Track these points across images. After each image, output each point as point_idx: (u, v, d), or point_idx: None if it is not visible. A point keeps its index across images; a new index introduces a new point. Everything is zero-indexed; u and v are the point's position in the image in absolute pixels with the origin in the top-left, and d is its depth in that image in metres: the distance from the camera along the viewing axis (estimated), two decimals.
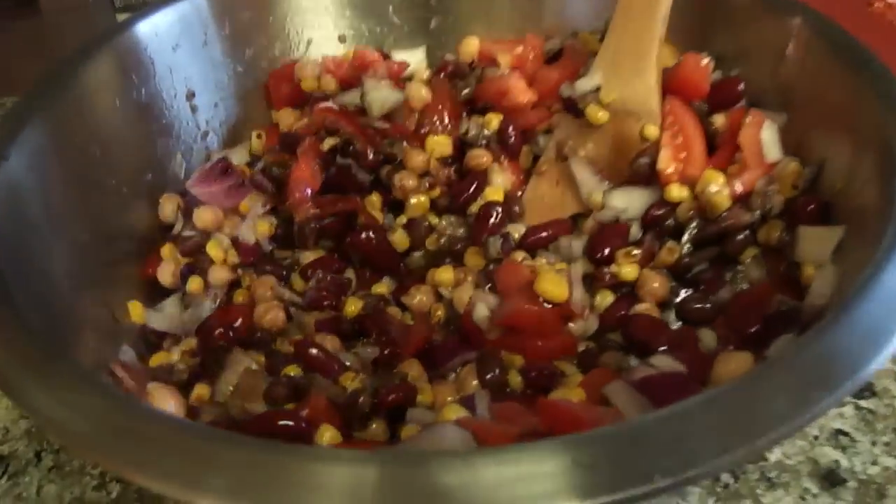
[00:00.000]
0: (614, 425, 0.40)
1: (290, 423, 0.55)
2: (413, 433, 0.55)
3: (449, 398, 0.60)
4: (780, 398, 0.42)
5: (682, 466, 0.38)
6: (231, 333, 0.68)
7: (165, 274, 0.75)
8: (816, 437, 0.72)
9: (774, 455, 0.71)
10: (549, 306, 0.67)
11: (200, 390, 0.64)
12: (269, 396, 0.60)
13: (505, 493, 0.37)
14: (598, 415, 0.52)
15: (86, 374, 0.48)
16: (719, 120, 0.77)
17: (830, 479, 0.69)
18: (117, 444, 0.43)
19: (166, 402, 0.61)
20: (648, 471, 0.38)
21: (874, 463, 0.70)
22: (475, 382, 0.61)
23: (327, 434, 0.55)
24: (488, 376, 0.61)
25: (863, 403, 0.74)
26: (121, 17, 1.36)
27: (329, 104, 0.85)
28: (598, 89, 0.78)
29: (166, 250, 0.77)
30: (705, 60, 0.78)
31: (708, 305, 0.67)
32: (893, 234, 0.53)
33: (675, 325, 0.68)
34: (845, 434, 0.72)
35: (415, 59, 0.94)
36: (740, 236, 0.71)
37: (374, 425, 0.58)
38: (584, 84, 0.78)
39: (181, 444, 0.42)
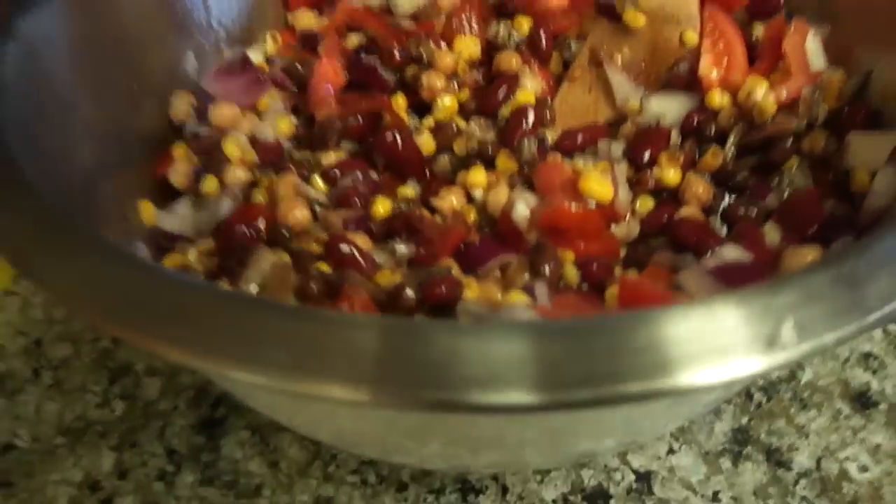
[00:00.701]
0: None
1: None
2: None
3: (495, 294, 0.56)
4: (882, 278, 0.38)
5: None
6: (254, 232, 0.64)
7: (178, 174, 0.71)
8: (847, 359, 0.72)
9: (806, 375, 0.71)
10: (592, 206, 0.64)
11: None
12: (302, 292, 0.56)
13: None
14: (677, 298, 0.48)
15: (112, 245, 0.44)
16: (759, 29, 0.75)
17: (862, 400, 0.69)
18: (152, 319, 0.39)
19: None
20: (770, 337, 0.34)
21: None
22: (526, 276, 0.58)
23: None
24: (545, 268, 0.58)
25: (891, 328, 0.74)
26: None
27: (352, 2, 0.81)
28: None
29: (179, 150, 0.72)
30: None
31: (756, 210, 0.64)
32: None
33: (722, 232, 0.65)
34: (875, 357, 0.72)
35: None
36: (787, 143, 0.68)
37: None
38: None
39: (228, 312, 0.38)
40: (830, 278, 0.37)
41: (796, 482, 0.64)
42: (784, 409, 0.68)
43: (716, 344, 0.34)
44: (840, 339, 0.36)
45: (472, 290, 0.55)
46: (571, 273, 0.59)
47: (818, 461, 0.65)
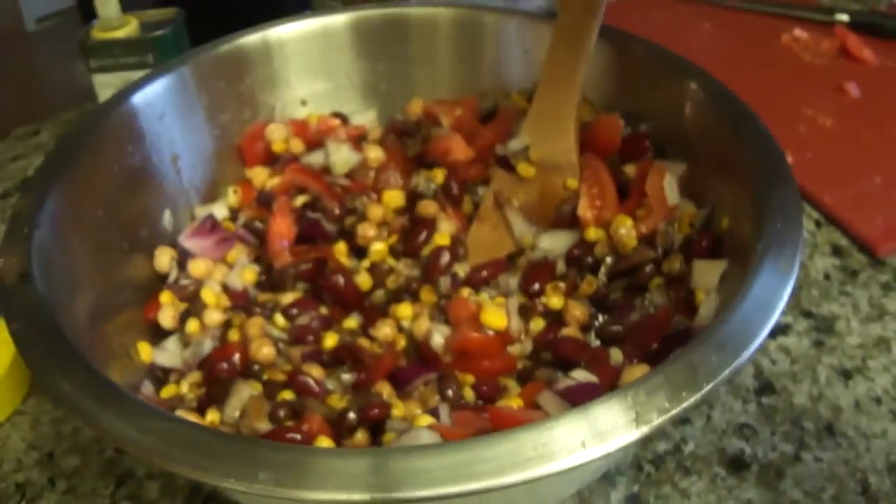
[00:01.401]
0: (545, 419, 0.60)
1: (297, 436, 0.73)
2: (392, 439, 0.74)
3: (417, 411, 0.79)
4: (658, 395, 0.60)
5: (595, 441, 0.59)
6: (232, 367, 0.85)
7: (166, 317, 0.92)
8: (724, 431, 0.87)
9: (689, 447, 0.85)
10: (492, 333, 0.87)
11: (212, 416, 0.80)
12: (274, 417, 0.78)
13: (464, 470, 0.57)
14: (531, 416, 0.72)
15: (147, 404, 0.64)
16: (630, 169, 0.97)
17: (737, 464, 0.84)
18: (185, 455, 0.58)
19: None
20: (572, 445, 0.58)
21: (773, 449, 0.85)
22: (437, 397, 0.80)
23: (325, 443, 0.73)
24: (448, 392, 0.80)
25: (764, 400, 0.90)
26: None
27: (298, 164, 1.05)
28: (527, 148, 0.98)
29: (165, 297, 0.93)
30: (619, 121, 0.98)
31: (620, 328, 0.86)
32: (756, 267, 0.69)
33: (595, 343, 0.87)
34: (749, 427, 0.87)
35: (368, 118, 1.14)
36: (647, 269, 0.89)
37: (358, 435, 0.77)
38: (515, 144, 0.99)
39: (231, 449, 0.59)
40: (619, 402, 0.62)
41: None
42: (669, 476, 0.82)
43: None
44: (628, 443, 0.58)
45: (399, 409, 0.79)
46: (469, 393, 0.82)
47: None
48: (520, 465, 0.57)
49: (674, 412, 0.59)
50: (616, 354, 0.82)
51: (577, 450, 0.58)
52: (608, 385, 0.77)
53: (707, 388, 0.61)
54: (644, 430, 0.59)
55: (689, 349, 0.64)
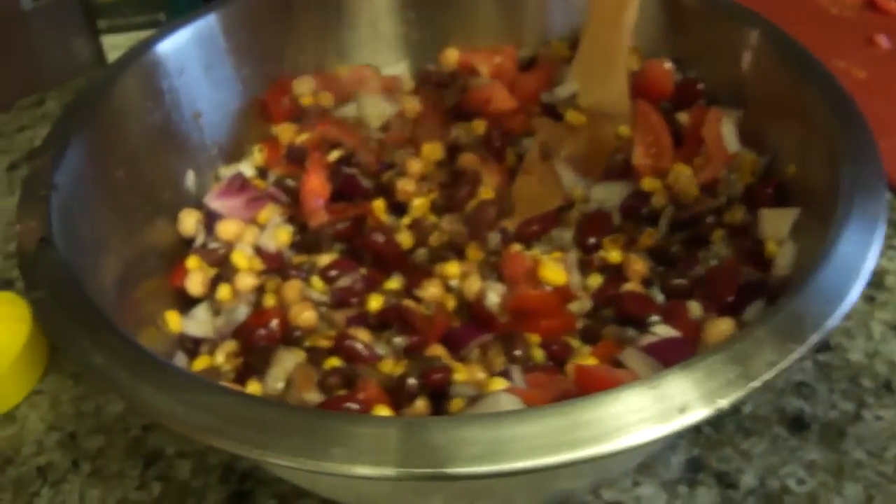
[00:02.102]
0: (641, 380, 0.55)
1: (355, 405, 0.68)
2: (461, 405, 0.68)
3: (480, 375, 0.73)
4: (764, 351, 0.55)
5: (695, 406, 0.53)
6: (271, 333, 0.79)
7: (195, 284, 0.86)
8: (782, 390, 0.84)
9: (747, 408, 0.82)
10: (551, 290, 0.81)
11: (253, 387, 0.74)
12: (324, 386, 0.72)
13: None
14: (619, 375, 0.66)
15: (193, 375, 0.61)
16: (683, 117, 0.91)
17: (797, 424, 0.81)
18: (245, 432, 0.53)
19: None
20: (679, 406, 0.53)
21: (833, 407, 0.82)
22: (502, 359, 0.74)
23: (384, 412, 0.68)
24: (516, 353, 0.74)
25: (820, 357, 0.86)
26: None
27: (330, 117, 0.98)
28: (574, 95, 0.93)
29: (192, 262, 0.87)
30: (668, 65, 0.93)
31: (686, 281, 0.80)
32: (842, 213, 0.65)
33: (660, 298, 0.81)
34: (807, 385, 0.84)
35: (398, 70, 1.07)
36: (709, 219, 0.84)
37: (418, 403, 0.71)
38: (563, 91, 0.93)
39: (297, 424, 0.53)
40: (722, 358, 0.56)
41: (744, 500, 0.74)
42: (730, 438, 0.79)
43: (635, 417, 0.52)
44: (732, 402, 0.54)
45: (461, 373, 0.73)
46: (538, 354, 0.76)
47: (762, 480, 0.76)
48: (625, 429, 0.52)
49: (782, 364, 0.55)
50: (695, 308, 0.77)
51: (694, 408, 0.53)
52: (691, 340, 0.72)
53: (814, 337, 0.57)
54: (756, 384, 0.54)
55: (787, 300, 0.60)
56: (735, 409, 0.81)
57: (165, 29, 0.95)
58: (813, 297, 0.59)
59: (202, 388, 0.57)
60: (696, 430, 0.80)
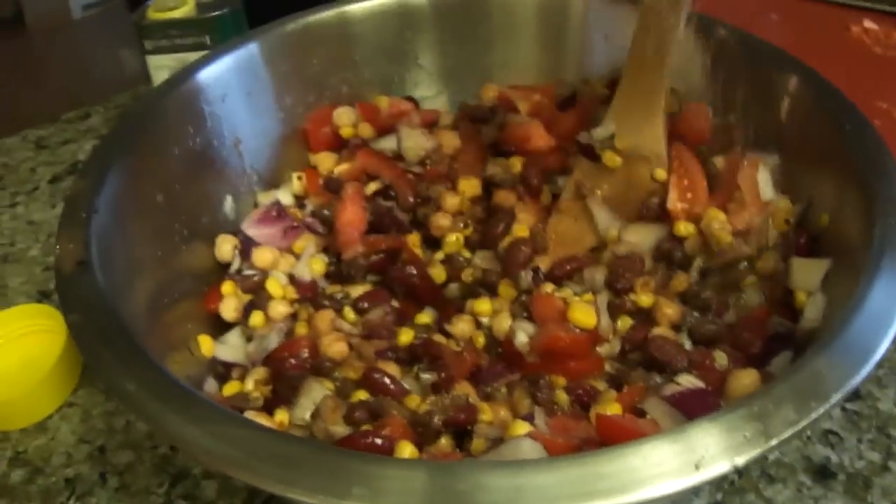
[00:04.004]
0: (659, 434, 0.55)
1: (378, 441, 0.68)
2: (482, 447, 0.69)
3: (504, 415, 0.73)
4: (785, 408, 0.55)
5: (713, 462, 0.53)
6: (301, 363, 0.80)
7: (228, 309, 0.87)
8: (809, 437, 0.83)
9: (773, 455, 0.82)
10: (580, 332, 0.80)
11: (281, 416, 0.75)
12: (351, 419, 0.72)
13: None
14: (640, 426, 0.66)
15: (221, 408, 0.59)
16: (720, 162, 0.90)
17: (822, 473, 0.80)
18: (269, 467, 0.53)
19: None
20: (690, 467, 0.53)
21: (860, 457, 0.81)
22: (527, 401, 0.75)
23: (407, 450, 0.67)
24: (540, 395, 0.75)
25: (849, 406, 0.86)
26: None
27: (369, 149, 0.99)
28: (612, 136, 0.91)
29: (227, 287, 0.88)
30: (706, 108, 0.92)
31: (716, 327, 0.80)
32: (873, 268, 0.64)
33: (688, 345, 0.81)
34: (834, 433, 0.84)
35: (438, 104, 1.08)
36: (741, 267, 0.84)
37: (442, 440, 0.71)
38: (601, 132, 0.92)
39: (319, 461, 0.54)
40: (742, 415, 0.56)
41: None
42: (753, 484, 0.79)
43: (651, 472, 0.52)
44: (748, 461, 0.53)
45: (486, 414, 0.73)
46: (563, 398, 0.76)
47: None
48: (642, 483, 0.52)
49: (802, 424, 0.55)
50: (721, 358, 0.76)
51: (711, 464, 0.53)
52: (715, 391, 0.72)
53: (836, 397, 0.57)
54: (773, 443, 0.54)
55: (813, 355, 0.59)
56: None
57: (209, 55, 0.96)
58: (839, 354, 0.59)
59: (228, 419, 0.58)
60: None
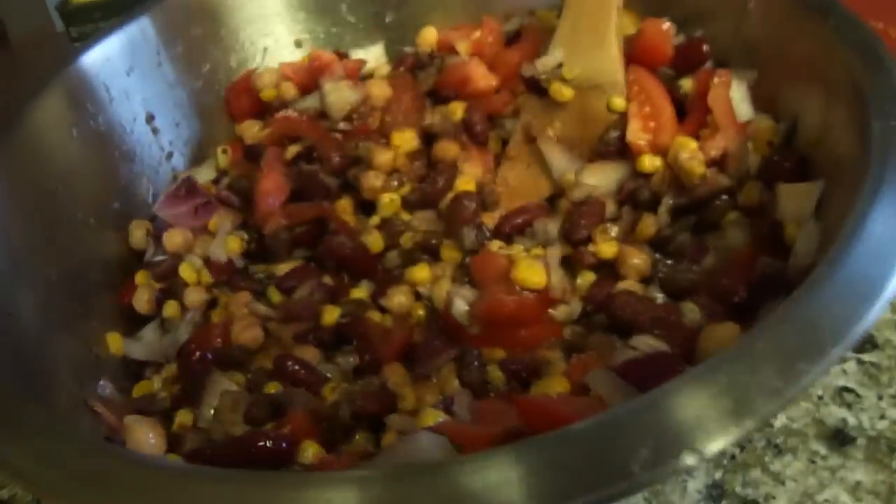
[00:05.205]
0: (590, 420, 0.38)
1: (270, 443, 0.54)
2: (391, 442, 0.54)
3: (431, 400, 0.59)
4: (763, 373, 0.41)
5: (663, 457, 0.37)
6: (209, 355, 0.67)
7: (141, 301, 0.75)
8: (821, 397, 0.71)
9: (779, 420, 0.70)
10: (528, 294, 0.66)
11: (182, 417, 0.63)
12: (250, 417, 0.59)
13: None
14: (578, 407, 0.50)
15: (54, 421, 0.48)
16: (687, 84, 0.77)
17: (839, 438, 0.68)
18: (90, 492, 0.42)
19: (145, 434, 0.60)
20: (626, 466, 0.36)
21: (882, 417, 0.69)
22: (456, 382, 0.60)
23: (310, 450, 0.55)
24: (467, 374, 0.60)
25: (865, 357, 0.74)
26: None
27: (289, 111, 0.84)
28: (560, 66, 0.78)
29: (140, 277, 0.76)
30: (666, 24, 0.78)
31: (693, 276, 0.66)
32: (873, 182, 0.52)
33: (660, 299, 0.66)
34: (850, 391, 0.72)
35: (373, 55, 0.93)
36: (719, 201, 0.70)
37: (358, 436, 0.58)
38: (546, 62, 0.78)
39: (156, 486, 0.41)
40: (709, 387, 0.40)
41: None
42: (758, 457, 0.68)
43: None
44: (714, 453, 0.38)
45: (408, 400, 0.59)
46: (496, 375, 0.61)
47: None
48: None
49: (789, 394, 0.41)
50: (690, 310, 0.61)
51: (644, 467, 0.38)
52: (682, 354, 0.57)
53: (834, 352, 0.43)
54: (749, 425, 0.40)
55: (798, 299, 0.46)
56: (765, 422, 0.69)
57: (108, 26, 0.83)
58: (836, 293, 0.45)
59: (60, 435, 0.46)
60: None
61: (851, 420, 0.70)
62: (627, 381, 0.52)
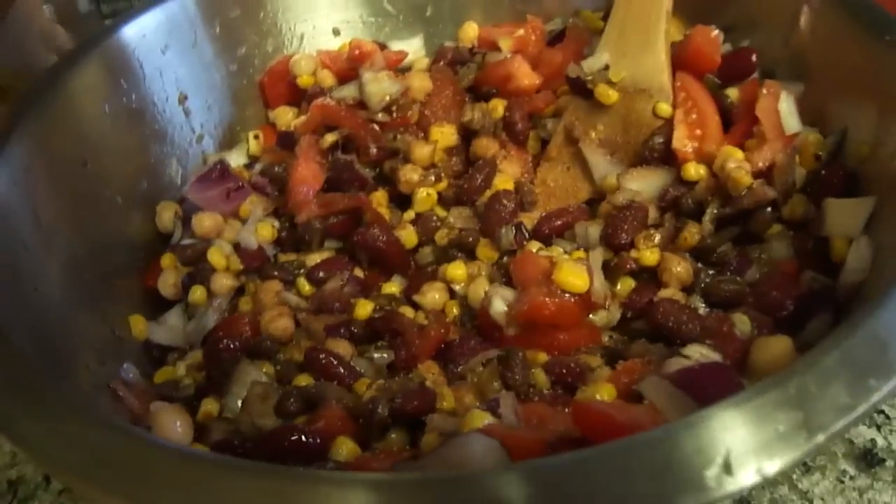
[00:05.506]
0: (657, 430, 0.36)
1: (303, 438, 0.52)
2: (434, 443, 0.52)
3: (470, 401, 0.57)
4: (834, 388, 0.39)
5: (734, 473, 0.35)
6: (238, 344, 0.65)
7: (166, 285, 0.73)
8: None
9: None
10: (569, 297, 0.64)
11: (208, 406, 0.61)
12: (282, 410, 0.57)
13: None
14: (634, 416, 0.48)
15: (78, 402, 0.46)
16: (733, 93, 0.75)
17: (868, 459, 0.68)
18: (113, 476, 0.41)
19: (172, 422, 0.58)
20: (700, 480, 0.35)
21: None
22: (497, 384, 0.58)
23: (344, 448, 0.53)
24: (511, 376, 0.58)
25: None
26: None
27: (326, 99, 0.82)
28: (606, 68, 0.76)
29: (166, 260, 0.74)
30: (715, 32, 0.77)
31: (737, 287, 0.64)
32: None
33: (703, 309, 0.65)
34: (881, 412, 0.71)
35: (412, 48, 0.92)
36: (764, 213, 0.68)
37: (393, 434, 0.56)
38: (593, 63, 0.76)
39: (180, 474, 0.40)
40: (776, 399, 0.37)
41: None
42: (786, 475, 0.67)
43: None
44: (784, 467, 0.36)
45: (448, 400, 0.56)
46: (541, 378, 0.59)
47: None
48: None
49: (860, 411, 0.39)
50: (742, 322, 0.59)
51: (717, 480, 0.36)
52: (735, 364, 0.55)
53: None
54: (819, 439, 0.38)
55: (866, 314, 0.44)
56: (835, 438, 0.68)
57: (142, 5, 0.80)
58: None
59: (83, 417, 0.45)
60: None
61: (881, 441, 0.69)
62: (682, 391, 0.50)
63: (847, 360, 0.42)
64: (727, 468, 0.36)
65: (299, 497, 0.38)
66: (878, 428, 0.69)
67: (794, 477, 0.68)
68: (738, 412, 0.38)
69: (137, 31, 0.78)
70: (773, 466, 0.36)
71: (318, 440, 0.52)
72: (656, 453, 0.36)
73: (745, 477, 0.36)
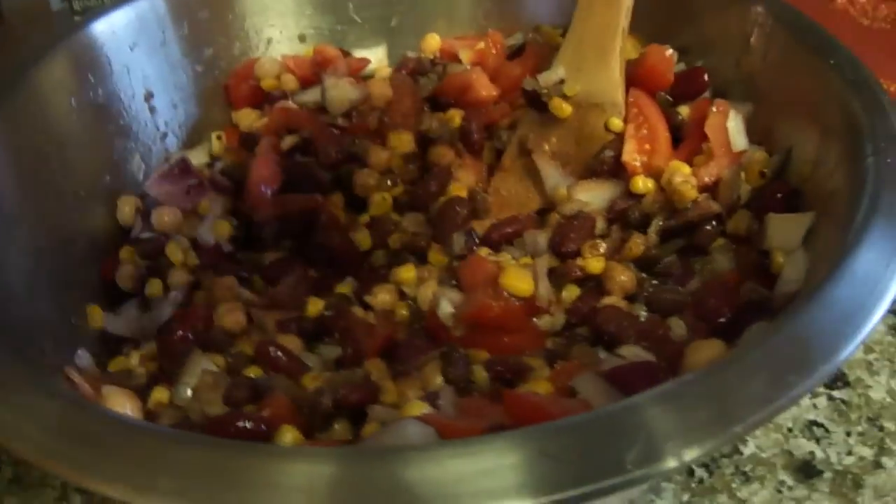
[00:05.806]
0: (582, 414, 0.37)
1: (249, 424, 0.53)
2: (374, 431, 0.53)
3: (413, 395, 0.58)
4: (754, 382, 0.41)
5: (653, 456, 0.36)
6: (191, 336, 0.65)
7: (124, 277, 0.73)
8: (790, 430, 0.72)
9: (748, 448, 0.70)
10: (515, 301, 0.65)
11: (158, 394, 0.61)
12: (229, 398, 0.58)
13: (467, 487, 0.34)
14: (565, 406, 0.50)
15: (32, 376, 0.47)
16: (684, 111, 0.77)
17: (806, 470, 0.69)
18: (63, 446, 0.42)
19: (122, 405, 0.58)
20: (619, 461, 0.36)
21: (849, 453, 0.70)
22: (439, 379, 0.59)
23: (288, 435, 0.53)
24: (452, 371, 0.59)
25: (836, 394, 0.74)
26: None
27: (289, 103, 0.83)
28: (561, 82, 0.77)
29: (125, 253, 0.74)
30: (669, 51, 0.78)
31: (677, 296, 0.66)
32: (863, 217, 0.52)
33: (643, 316, 0.66)
34: (820, 425, 0.72)
35: (376, 56, 0.92)
36: (708, 227, 0.70)
37: (336, 426, 0.56)
38: (548, 77, 0.77)
39: (129, 444, 0.41)
40: (698, 390, 0.39)
41: None
42: (726, 484, 0.68)
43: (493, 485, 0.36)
44: (701, 455, 0.37)
45: (390, 394, 0.57)
46: (480, 375, 0.60)
47: None
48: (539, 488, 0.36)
49: (777, 403, 0.41)
50: (677, 326, 0.61)
51: (633, 465, 0.37)
52: (668, 366, 0.56)
53: (824, 368, 0.43)
54: (737, 430, 0.40)
55: (791, 316, 0.47)
56: (734, 449, 0.70)
57: (109, 6, 0.81)
58: (824, 318, 0.46)
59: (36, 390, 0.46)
60: (687, 472, 0.68)
61: (819, 454, 0.70)
62: (613, 387, 0.52)
63: (769, 358, 0.43)
64: (647, 452, 0.37)
65: (243, 467, 0.39)
66: (818, 441, 0.70)
67: (734, 486, 0.67)
68: (661, 401, 0.39)
69: (107, 28, 0.78)
70: (691, 452, 0.37)
71: (264, 427, 0.53)
72: (578, 436, 0.37)
73: (666, 461, 0.37)
